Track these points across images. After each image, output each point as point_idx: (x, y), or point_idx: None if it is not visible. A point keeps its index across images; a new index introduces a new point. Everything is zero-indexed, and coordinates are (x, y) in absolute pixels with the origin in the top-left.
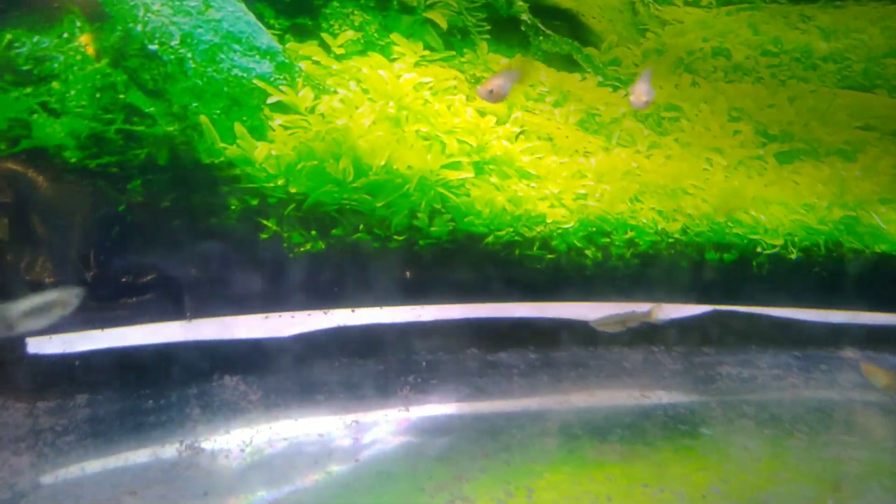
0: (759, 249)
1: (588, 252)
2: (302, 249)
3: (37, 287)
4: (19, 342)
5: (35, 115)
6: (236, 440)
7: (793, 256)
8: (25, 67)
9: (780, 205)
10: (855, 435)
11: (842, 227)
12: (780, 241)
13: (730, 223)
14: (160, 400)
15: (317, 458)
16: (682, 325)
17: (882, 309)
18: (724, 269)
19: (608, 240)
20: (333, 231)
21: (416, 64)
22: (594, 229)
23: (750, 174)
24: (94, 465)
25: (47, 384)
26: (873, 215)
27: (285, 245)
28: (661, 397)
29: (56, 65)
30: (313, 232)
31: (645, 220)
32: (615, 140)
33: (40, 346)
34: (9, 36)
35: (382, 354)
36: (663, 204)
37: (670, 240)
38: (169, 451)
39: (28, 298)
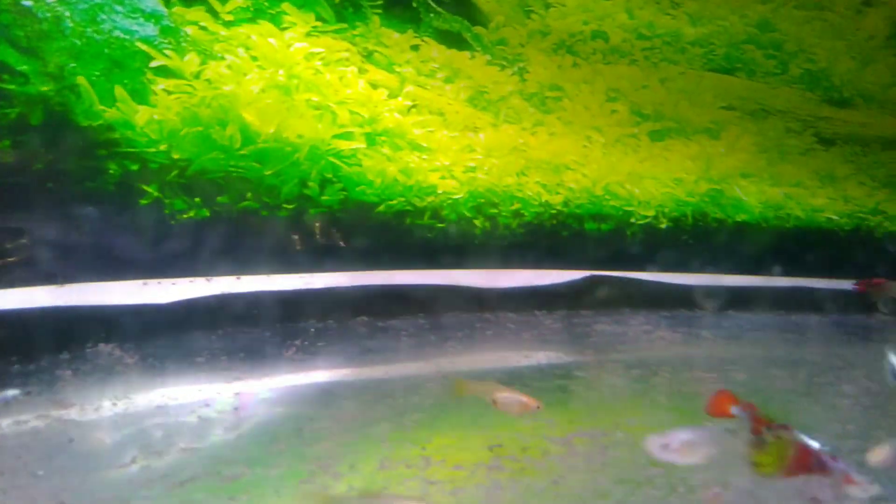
0: (633, 220)
1: (477, 222)
2: (185, 216)
3: None
4: None
5: None
6: (109, 408)
7: (663, 226)
8: None
9: (652, 179)
10: (714, 373)
11: (707, 198)
12: (651, 213)
13: (607, 196)
14: (28, 365)
15: (195, 428)
16: (561, 289)
17: (742, 272)
18: (601, 238)
19: (496, 210)
20: (219, 199)
21: (308, 34)
22: (483, 200)
23: (626, 151)
24: None
25: None
26: (735, 188)
27: (167, 211)
28: (542, 351)
29: None
30: (197, 199)
31: (530, 193)
32: (502, 117)
33: None
34: None
35: (269, 322)
36: (547, 178)
37: (553, 211)
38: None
39: None
